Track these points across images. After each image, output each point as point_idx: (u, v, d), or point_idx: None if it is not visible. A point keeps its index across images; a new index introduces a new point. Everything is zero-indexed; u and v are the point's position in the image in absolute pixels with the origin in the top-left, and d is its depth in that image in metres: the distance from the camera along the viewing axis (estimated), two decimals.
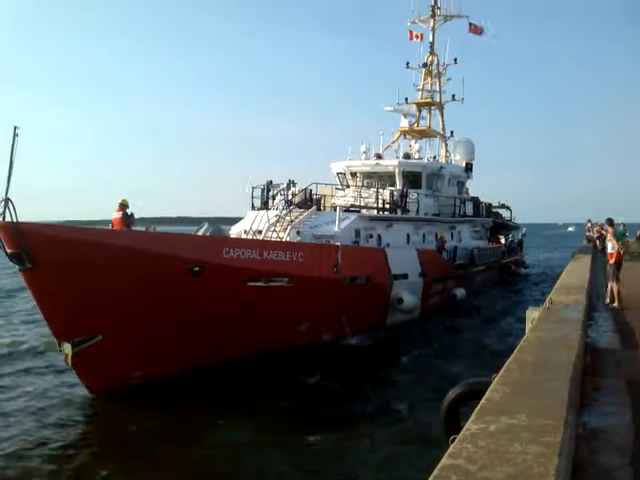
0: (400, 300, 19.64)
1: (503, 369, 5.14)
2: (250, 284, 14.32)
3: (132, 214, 15.07)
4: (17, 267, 11.36)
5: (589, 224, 36.82)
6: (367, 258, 18.76)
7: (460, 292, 24.14)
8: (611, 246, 12.61)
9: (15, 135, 10.81)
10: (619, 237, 12.95)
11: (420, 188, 25.08)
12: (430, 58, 32.65)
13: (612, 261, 12.37)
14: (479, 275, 28.42)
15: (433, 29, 32.79)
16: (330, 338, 16.50)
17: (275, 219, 19.06)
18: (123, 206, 14.97)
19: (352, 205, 21.92)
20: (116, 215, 14.93)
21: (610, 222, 12.93)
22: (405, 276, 20.20)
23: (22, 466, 9.28)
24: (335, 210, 20.04)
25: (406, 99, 32.22)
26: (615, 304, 11.69)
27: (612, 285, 11.94)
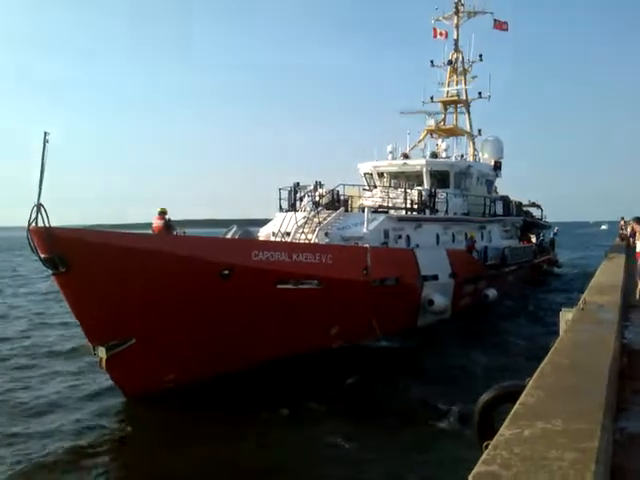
0: (431, 301, 19.34)
1: (537, 372, 4.97)
2: (280, 286, 14.23)
3: (170, 220, 15.55)
4: (50, 271, 11.46)
5: (622, 222, 35.88)
6: (396, 259, 18.52)
7: (492, 292, 23.67)
8: (638, 247, 12.34)
9: (45, 141, 10.88)
10: None
11: (448, 187, 24.69)
12: (455, 55, 32.20)
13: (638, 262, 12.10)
14: (511, 275, 27.86)
15: (457, 26, 32.35)
16: (361, 341, 16.32)
17: (303, 221, 18.97)
18: (163, 214, 15.47)
19: (380, 206, 21.70)
20: (157, 223, 15.43)
21: (638, 221, 12.63)
22: (435, 277, 19.89)
23: (52, 465, 9.40)
24: (363, 211, 19.84)
25: (431, 98, 31.92)
26: None
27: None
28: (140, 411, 12.13)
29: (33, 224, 10.79)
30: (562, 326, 8.41)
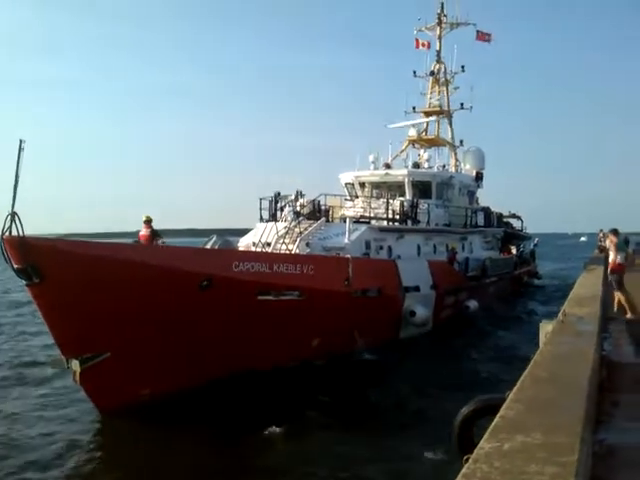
0: (412, 313, 19.28)
1: (517, 385, 4.97)
2: (260, 298, 14.05)
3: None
4: (24, 282, 11.16)
5: (601, 234, 36.36)
6: (378, 270, 18.46)
7: (473, 304, 23.68)
8: (612, 256, 12.56)
9: (21, 149, 10.64)
10: (621, 247, 12.80)
11: (430, 198, 24.73)
12: (437, 66, 32.45)
13: (609, 271, 12.43)
14: (492, 286, 27.99)
15: (440, 37, 32.61)
16: (342, 353, 16.17)
17: (284, 231, 18.83)
18: (149, 222, 15.21)
19: (362, 216, 21.65)
20: (144, 232, 15.20)
21: (614, 233, 12.77)
22: (417, 288, 19.86)
23: None
24: (345, 221, 19.77)
25: (414, 108, 32.05)
26: (628, 315, 11.45)
27: (617, 295, 11.83)
28: (116, 425, 11.86)
29: (7, 233, 10.51)
30: (542, 338, 8.45)
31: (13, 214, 10.44)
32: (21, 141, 10.62)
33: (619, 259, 12.45)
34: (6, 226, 10.49)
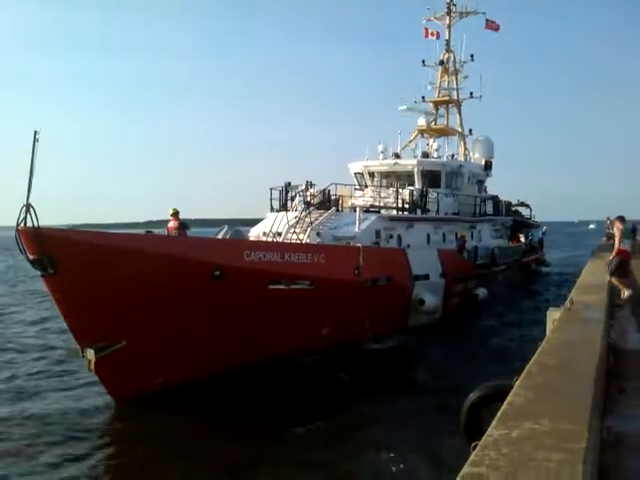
0: (422, 301, 19.32)
1: (524, 372, 5.00)
2: (271, 287, 14.13)
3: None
4: (39, 273, 11.29)
5: (609, 221, 36.14)
6: (388, 259, 18.49)
7: (482, 292, 23.72)
8: (617, 243, 12.62)
9: (35, 140, 10.70)
10: (627, 234, 12.82)
11: (439, 187, 24.69)
12: (446, 55, 32.28)
13: (611, 257, 12.48)
14: (500, 275, 27.97)
15: (449, 26, 32.43)
16: (352, 342, 16.26)
17: (295, 221, 18.87)
18: (176, 214, 15.61)
19: (372, 205, 21.65)
20: (172, 224, 15.58)
21: (621, 219, 12.82)
22: (426, 277, 19.87)
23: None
24: (355, 211, 19.78)
25: (423, 97, 31.94)
26: (624, 294, 11.56)
27: (611, 280, 11.93)
28: (130, 414, 12.02)
29: (22, 224, 10.62)
30: (549, 325, 8.53)
31: (28, 205, 10.53)
32: (35, 132, 10.67)
33: (624, 246, 12.45)
34: (21, 217, 10.60)
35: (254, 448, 10.00)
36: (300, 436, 10.51)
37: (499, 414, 3.87)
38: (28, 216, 10.57)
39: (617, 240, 12.55)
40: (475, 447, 3.29)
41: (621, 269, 12.33)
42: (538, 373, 4.97)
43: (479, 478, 2.85)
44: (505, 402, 4.14)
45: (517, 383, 4.68)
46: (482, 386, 6.59)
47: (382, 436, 10.41)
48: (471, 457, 3.11)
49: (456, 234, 24.74)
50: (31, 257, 10.97)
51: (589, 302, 9.61)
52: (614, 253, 12.43)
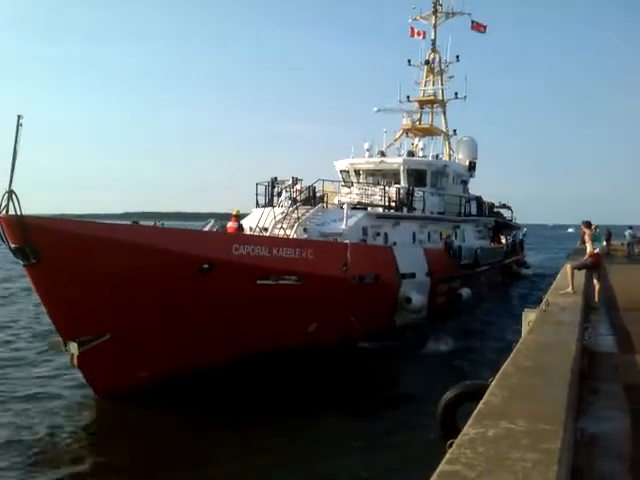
0: (408, 299, 19.24)
1: (500, 372, 5.07)
2: (259, 282, 13.89)
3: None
4: (21, 262, 10.87)
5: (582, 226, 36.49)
6: (375, 257, 18.38)
7: (466, 292, 23.77)
8: (589, 247, 13.00)
9: (19, 125, 10.32)
10: (596, 238, 13.34)
11: (424, 186, 24.67)
12: (432, 55, 32.35)
13: (574, 264, 12.95)
14: (483, 275, 28.10)
15: (435, 26, 32.50)
16: (339, 338, 16.09)
17: (281, 216, 18.64)
18: (237, 217, 17.09)
19: (359, 203, 21.52)
20: (232, 224, 16.83)
21: (588, 225, 13.21)
22: (413, 275, 19.82)
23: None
24: (342, 207, 19.62)
25: (408, 97, 31.97)
26: (568, 289, 11.85)
27: (571, 270, 12.32)
28: (112, 408, 11.69)
29: (4, 212, 10.21)
30: (525, 326, 8.65)
31: (10, 192, 10.14)
32: (19, 117, 10.30)
33: (596, 249, 12.94)
34: (2, 204, 10.19)
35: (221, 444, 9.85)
36: (275, 435, 10.31)
37: (475, 413, 3.89)
38: (10, 203, 10.17)
39: (589, 244, 12.91)
40: (451, 445, 3.31)
41: (593, 269, 12.94)
42: (514, 374, 5.03)
43: (455, 476, 2.87)
44: (481, 401, 4.18)
45: (493, 383, 4.73)
46: (458, 385, 6.71)
47: (353, 437, 10.23)
48: (447, 455, 3.13)
49: (440, 234, 24.76)
50: (13, 246, 10.56)
51: (564, 304, 9.79)
52: (587, 255, 12.91)
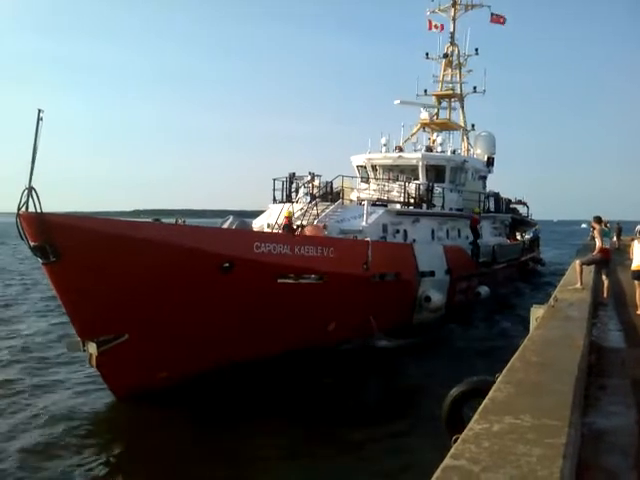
0: (427, 298, 18.90)
1: (507, 368, 5.07)
2: (280, 281, 13.60)
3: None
4: (40, 261, 10.62)
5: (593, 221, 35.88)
6: (396, 254, 18.03)
7: (484, 290, 23.29)
8: (598, 243, 12.95)
9: (39, 119, 10.03)
10: (605, 233, 13.30)
11: (443, 182, 24.16)
12: (450, 48, 31.74)
13: (582, 260, 12.94)
14: (500, 272, 27.64)
15: (454, 18, 31.80)
16: (358, 338, 15.78)
17: (300, 212, 18.31)
18: (289, 217, 17.04)
19: (378, 199, 21.12)
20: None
21: (598, 220, 13.11)
22: (432, 273, 19.45)
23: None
24: (361, 204, 19.25)
25: (425, 91, 31.40)
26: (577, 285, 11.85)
27: (580, 266, 12.35)
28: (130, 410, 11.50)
29: (23, 209, 9.94)
30: (532, 322, 8.69)
31: (30, 189, 9.87)
32: (39, 111, 10.00)
33: (605, 244, 12.91)
34: (22, 202, 9.92)
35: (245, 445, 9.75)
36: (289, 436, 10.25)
37: (481, 408, 3.88)
38: (30, 200, 9.90)
39: (598, 240, 12.83)
40: (456, 440, 3.31)
41: (602, 265, 12.98)
42: (520, 369, 5.04)
43: (459, 471, 2.85)
44: (487, 397, 4.16)
45: (499, 379, 4.72)
46: (465, 381, 6.73)
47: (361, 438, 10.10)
48: (452, 450, 3.13)
49: (459, 230, 24.28)
50: (32, 244, 10.30)
51: (572, 300, 9.76)
52: (596, 251, 12.87)
